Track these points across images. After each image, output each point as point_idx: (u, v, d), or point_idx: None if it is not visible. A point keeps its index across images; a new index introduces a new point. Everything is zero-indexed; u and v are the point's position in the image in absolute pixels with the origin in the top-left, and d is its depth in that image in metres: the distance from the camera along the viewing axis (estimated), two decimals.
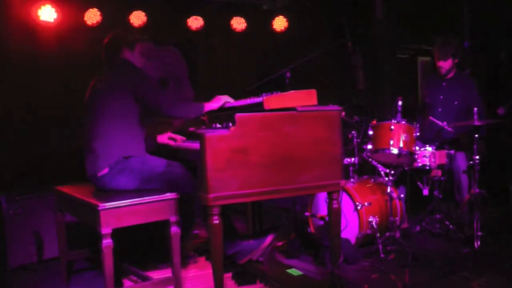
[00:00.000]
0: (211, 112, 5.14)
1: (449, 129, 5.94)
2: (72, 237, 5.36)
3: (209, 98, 5.07)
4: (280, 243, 5.86)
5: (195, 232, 6.13)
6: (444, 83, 6.60)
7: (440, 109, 6.56)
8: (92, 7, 7.50)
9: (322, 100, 4.63)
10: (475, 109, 5.61)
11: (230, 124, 4.24)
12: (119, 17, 7.75)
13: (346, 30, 6.82)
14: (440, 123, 5.98)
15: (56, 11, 7.13)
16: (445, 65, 6.48)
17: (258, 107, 4.39)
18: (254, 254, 4.92)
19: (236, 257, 4.95)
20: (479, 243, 5.54)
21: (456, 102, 6.49)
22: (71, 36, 7.30)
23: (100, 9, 7.53)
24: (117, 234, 4.30)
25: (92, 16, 7.52)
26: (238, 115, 4.15)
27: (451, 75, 6.57)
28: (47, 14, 7.09)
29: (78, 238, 5.52)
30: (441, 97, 6.57)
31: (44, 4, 7.04)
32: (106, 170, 4.69)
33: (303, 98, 4.46)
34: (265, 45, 8.83)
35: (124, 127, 4.76)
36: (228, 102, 5.01)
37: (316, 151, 4.44)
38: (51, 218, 5.45)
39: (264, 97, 4.39)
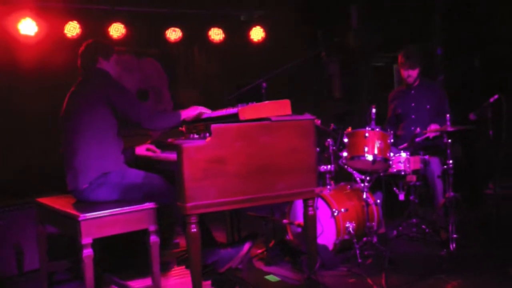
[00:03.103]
0: (189, 122, 5.22)
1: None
2: (53, 248, 5.37)
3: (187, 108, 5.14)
4: (259, 251, 5.93)
5: (175, 242, 6.18)
6: (413, 91, 6.72)
7: (413, 116, 6.66)
8: (71, 20, 7.56)
9: (299, 109, 4.72)
10: (447, 115, 5.75)
11: (207, 135, 4.32)
12: (99, 30, 7.81)
13: (321, 40, 6.92)
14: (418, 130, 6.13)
15: (37, 25, 7.18)
16: (413, 73, 6.61)
17: (234, 118, 4.46)
18: (233, 262, 4.97)
19: (216, 266, 5.00)
20: (454, 245, 5.66)
21: (428, 106, 6.61)
22: (51, 49, 7.36)
23: (79, 21, 7.59)
24: (97, 243, 4.37)
25: (72, 29, 7.59)
26: (214, 126, 4.22)
27: (417, 82, 6.70)
28: (27, 27, 7.14)
29: (58, 249, 5.53)
30: (413, 104, 6.68)
31: (24, 18, 7.09)
32: (86, 185, 4.76)
33: (277, 108, 4.54)
34: (243, 55, 8.92)
35: (102, 141, 4.80)
36: (204, 112, 5.08)
37: (291, 160, 4.52)
38: (32, 230, 5.50)
39: (240, 108, 4.46)
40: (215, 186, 4.21)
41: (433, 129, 6.13)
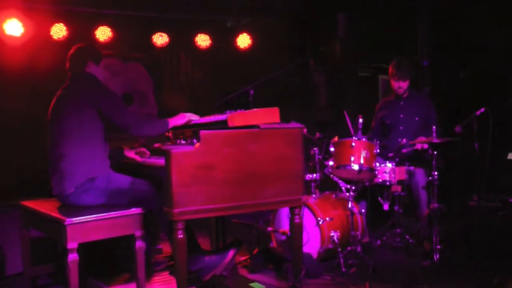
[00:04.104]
0: (176, 128, 5.20)
1: (425, 146, 6.14)
2: (36, 252, 5.32)
3: (173, 114, 5.11)
4: (243, 258, 5.91)
5: (159, 247, 6.15)
6: (402, 102, 6.74)
7: (401, 127, 6.68)
8: (58, 22, 7.52)
9: (285, 117, 4.73)
10: (434, 127, 5.78)
11: (195, 141, 4.34)
12: (85, 32, 7.77)
13: (308, 49, 6.95)
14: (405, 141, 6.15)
15: (23, 25, 7.13)
16: (404, 85, 6.62)
17: (223, 124, 4.47)
18: (218, 270, 4.96)
19: (200, 274, 4.98)
20: (438, 256, 5.68)
21: (416, 118, 6.63)
22: (37, 51, 7.33)
23: (66, 24, 7.55)
24: (82, 247, 4.34)
25: (58, 31, 7.55)
26: (202, 132, 4.23)
27: (406, 94, 6.73)
28: (13, 28, 7.09)
29: (42, 253, 5.49)
30: (401, 115, 6.70)
31: (10, 18, 7.04)
32: (71, 190, 4.71)
33: (266, 116, 4.56)
34: (230, 62, 8.92)
35: (88, 146, 4.75)
36: (192, 120, 5.07)
37: (278, 168, 4.54)
38: (15, 233, 5.43)
39: (228, 115, 4.47)
40: (203, 192, 4.22)
41: (419, 141, 6.15)
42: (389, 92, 7.04)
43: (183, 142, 5.08)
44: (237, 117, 4.47)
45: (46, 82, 6.77)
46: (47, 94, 5.15)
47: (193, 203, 4.19)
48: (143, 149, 5.27)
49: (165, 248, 6.12)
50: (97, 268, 5.42)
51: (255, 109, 4.61)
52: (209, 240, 6.17)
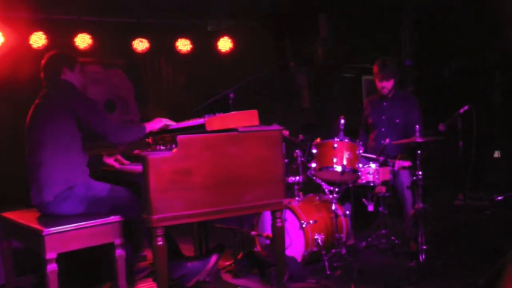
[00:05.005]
0: (156, 134, 5.17)
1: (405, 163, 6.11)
2: (19, 263, 5.28)
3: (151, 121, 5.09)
4: (227, 263, 5.87)
5: (142, 254, 6.11)
6: (385, 103, 6.70)
7: (383, 129, 6.65)
8: (37, 30, 7.48)
9: (267, 120, 4.70)
10: (417, 126, 5.74)
11: (174, 146, 4.28)
12: (65, 40, 7.74)
13: (288, 50, 6.93)
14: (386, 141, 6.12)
15: (2, 35, 7.09)
16: (388, 85, 6.59)
17: (201, 129, 4.43)
18: (201, 275, 4.92)
19: (183, 280, 4.95)
20: (424, 256, 5.63)
21: (397, 120, 6.59)
22: (16, 60, 7.28)
23: (45, 32, 7.51)
24: (63, 256, 4.30)
25: (38, 40, 7.52)
26: (179, 137, 4.19)
27: (391, 94, 6.69)
28: None
29: (25, 264, 5.43)
30: (383, 117, 6.66)
31: None
32: (50, 199, 4.66)
33: (245, 119, 4.52)
34: (211, 66, 8.91)
35: (67, 154, 4.70)
36: (169, 124, 5.03)
37: (258, 171, 4.50)
38: None
39: (206, 118, 4.44)
40: (182, 198, 4.18)
41: (402, 141, 6.11)
42: (374, 93, 7.01)
43: (162, 147, 5.04)
44: (215, 121, 4.44)
45: (26, 91, 6.72)
46: (27, 103, 5.10)
47: (172, 209, 4.15)
48: (119, 157, 5.22)
49: (149, 255, 6.07)
50: (78, 278, 5.37)
51: (233, 112, 4.58)
52: (193, 245, 6.12)
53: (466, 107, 5.91)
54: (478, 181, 7.35)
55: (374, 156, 6.16)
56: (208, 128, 4.39)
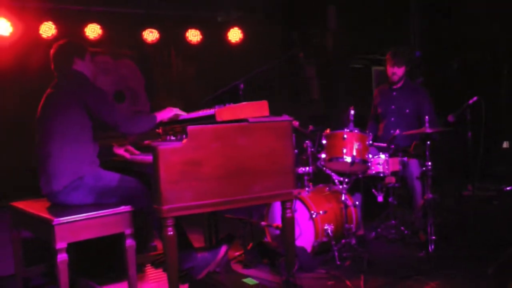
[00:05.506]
0: (166, 124, 5.17)
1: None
2: (29, 253, 5.29)
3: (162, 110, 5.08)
4: (237, 253, 5.89)
5: (153, 244, 6.12)
6: (394, 93, 6.70)
7: (392, 119, 6.66)
8: (47, 20, 7.48)
9: (277, 110, 4.69)
10: (427, 117, 5.73)
11: (184, 137, 4.27)
12: (75, 30, 7.73)
13: (298, 41, 6.91)
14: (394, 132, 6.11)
15: (12, 25, 7.09)
16: (399, 71, 6.58)
17: (211, 119, 4.42)
18: (211, 267, 4.92)
19: (193, 272, 4.95)
20: (433, 247, 5.64)
21: (407, 110, 6.59)
22: (26, 50, 7.27)
23: (55, 22, 7.51)
24: (72, 246, 4.30)
25: (47, 30, 7.50)
26: (190, 128, 4.18)
27: (400, 84, 6.67)
28: (2, 27, 7.06)
29: (34, 254, 5.44)
30: (393, 106, 6.67)
31: None
32: (60, 189, 4.65)
33: (255, 109, 4.51)
34: (221, 56, 8.90)
35: (77, 144, 4.69)
36: (180, 114, 5.02)
37: (268, 162, 4.49)
38: (5, 234, 5.38)
39: (217, 109, 4.42)
40: (192, 188, 4.17)
41: (411, 132, 6.10)
42: (384, 83, 6.99)
43: (172, 138, 5.03)
44: (225, 112, 4.43)
45: (36, 81, 6.72)
46: (37, 93, 5.09)
47: (182, 199, 4.14)
48: (129, 147, 5.22)
49: (160, 245, 6.09)
50: (89, 268, 5.39)
51: (243, 103, 4.56)
52: (203, 236, 6.13)
53: (475, 98, 5.90)
54: (486, 172, 7.32)
55: (384, 145, 6.17)
56: (218, 118, 4.38)
